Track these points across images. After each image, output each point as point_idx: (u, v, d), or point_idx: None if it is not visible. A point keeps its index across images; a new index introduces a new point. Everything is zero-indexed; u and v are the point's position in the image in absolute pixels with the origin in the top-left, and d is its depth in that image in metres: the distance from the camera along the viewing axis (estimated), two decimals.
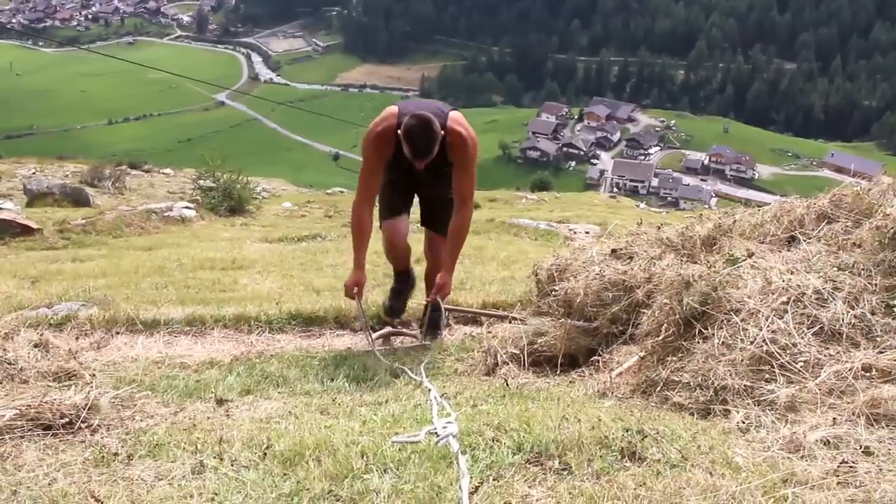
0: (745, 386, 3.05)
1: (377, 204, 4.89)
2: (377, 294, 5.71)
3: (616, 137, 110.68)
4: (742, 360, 3.14)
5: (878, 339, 3.12)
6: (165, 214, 13.69)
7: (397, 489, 2.41)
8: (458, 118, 4.54)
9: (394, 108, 4.58)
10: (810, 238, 3.89)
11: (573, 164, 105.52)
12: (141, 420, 3.22)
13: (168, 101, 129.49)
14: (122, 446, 2.82)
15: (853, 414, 2.73)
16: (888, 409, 2.73)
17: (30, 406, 2.97)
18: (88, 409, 3.03)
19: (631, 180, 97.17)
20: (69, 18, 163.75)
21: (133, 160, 33.02)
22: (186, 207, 14.64)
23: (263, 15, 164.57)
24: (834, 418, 2.72)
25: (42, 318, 4.92)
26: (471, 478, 2.43)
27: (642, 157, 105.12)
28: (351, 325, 5.27)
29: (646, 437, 2.66)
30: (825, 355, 3.07)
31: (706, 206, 60.11)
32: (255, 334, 5.10)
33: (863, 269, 3.46)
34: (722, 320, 3.35)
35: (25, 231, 10.90)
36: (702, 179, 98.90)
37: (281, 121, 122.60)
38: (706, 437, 2.72)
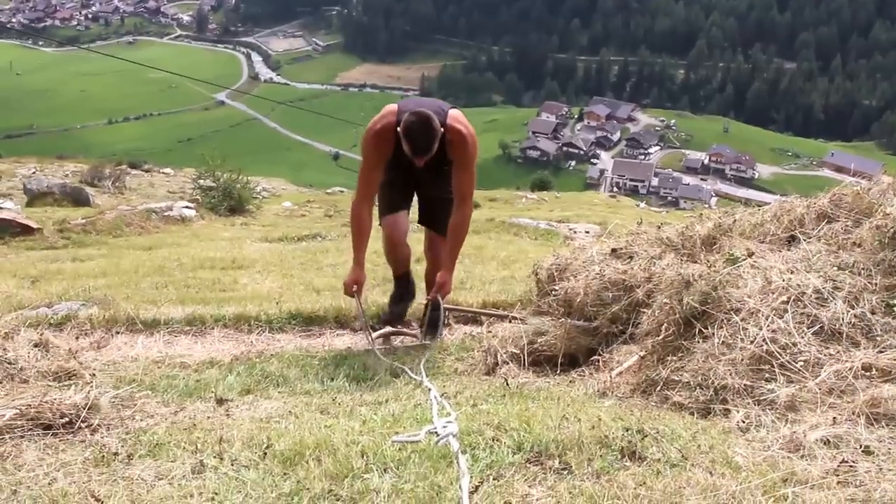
0: (745, 385, 3.05)
1: (377, 203, 4.89)
2: (377, 294, 5.71)
3: (616, 137, 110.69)
4: (742, 360, 3.14)
5: (879, 338, 3.12)
6: (165, 214, 13.69)
7: (397, 489, 2.41)
8: (457, 116, 4.54)
9: (393, 107, 4.58)
10: (810, 237, 3.89)
11: (573, 163, 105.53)
12: (141, 420, 3.22)
13: (168, 101, 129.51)
14: (123, 446, 2.82)
15: (853, 413, 2.73)
16: (888, 408, 2.73)
17: (30, 406, 2.97)
18: (88, 409, 3.03)
19: (631, 180, 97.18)
20: (69, 18, 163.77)
21: (133, 160, 33.02)
22: (186, 207, 14.64)
23: (263, 14, 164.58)
24: (834, 418, 2.72)
25: (42, 318, 4.92)
26: (471, 477, 2.43)
27: (642, 157, 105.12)
28: (351, 324, 5.27)
29: (646, 436, 2.66)
30: (825, 355, 3.07)
31: (706, 206, 60.14)
32: (255, 334, 5.10)
33: (863, 269, 3.46)
34: (722, 320, 3.35)
35: (25, 231, 10.90)
36: (702, 179, 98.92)
37: (281, 120, 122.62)
38: (706, 437, 2.72)
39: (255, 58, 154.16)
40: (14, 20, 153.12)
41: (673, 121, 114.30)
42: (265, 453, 2.68)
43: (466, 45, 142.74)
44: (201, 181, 17.51)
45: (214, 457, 2.68)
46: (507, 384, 3.76)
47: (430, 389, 3.55)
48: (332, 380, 4.09)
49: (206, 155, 18.40)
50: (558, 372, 4.14)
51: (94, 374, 3.68)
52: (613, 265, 4.47)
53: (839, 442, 2.57)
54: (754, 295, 3.38)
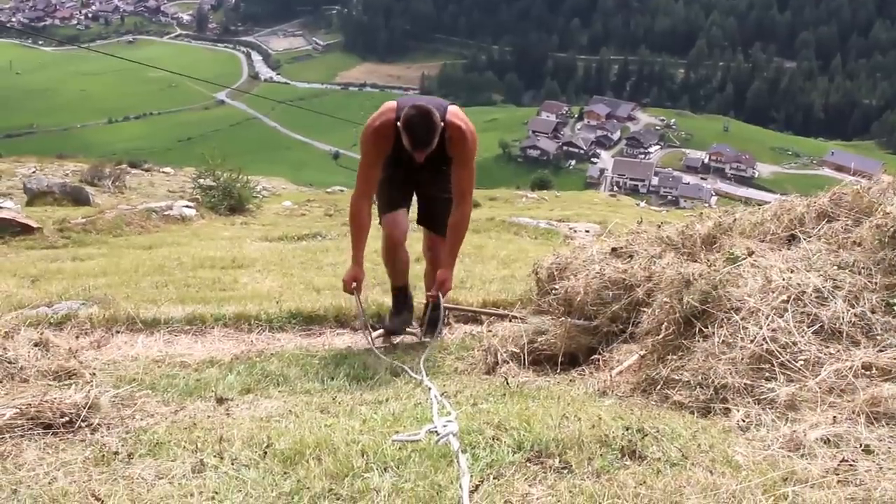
0: (745, 384, 3.06)
1: (376, 201, 4.87)
2: (377, 293, 5.71)
3: (616, 136, 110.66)
4: (742, 359, 3.14)
5: (879, 337, 3.12)
6: (165, 213, 13.68)
7: (397, 488, 2.41)
8: (457, 112, 4.53)
9: (392, 104, 4.57)
10: (810, 236, 3.89)
11: (573, 162, 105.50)
12: (141, 419, 3.22)
13: (168, 100, 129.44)
14: (123, 445, 2.83)
15: (853, 412, 2.73)
16: (888, 407, 2.73)
17: (30, 405, 2.97)
18: (89, 408, 3.03)
19: (631, 179, 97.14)
20: (69, 17, 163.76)
21: (133, 159, 33.01)
22: (186, 206, 14.63)
23: (263, 13, 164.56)
24: (834, 417, 2.72)
25: (42, 317, 4.93)
26: (471, 476, 2.43)
27: (642, 156, 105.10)
28: (351, 323, 5.27)
29: (646, 435, 2.66)
30: (825, 354, 3.07)
31: (706, 205, 60.08)
32: (256, 333, 5.10)
33: (863, 268, 3.46)
34: (722, 319, 3.35)
35: (25, 230, 10.90)
36: (702, 178, 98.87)
37: (281, 119, 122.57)
38: (706, 436, 2.72)
39: (255, 57, 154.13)
40: (14, 19, 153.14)
41: (673, 120, 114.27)
42: (265, 452, 2.68)
43: (466, 45, 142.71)
44: (201, 180, 17.49)
45: (215, 456, 2.68)
46: (508, 383, 3.77)
47: (430, 388, 3.56)
48: (333, 379, 4.09)
49: (206, 154, 18.39)
50: (558, 371, 4.14)
51: (94, 374, 3.69)
52: (613, 264, 4.47)
53: (839, 441, 2.57)
54: (754, 294, 3.38)
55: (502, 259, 8.45)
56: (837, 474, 2.35)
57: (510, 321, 4.76)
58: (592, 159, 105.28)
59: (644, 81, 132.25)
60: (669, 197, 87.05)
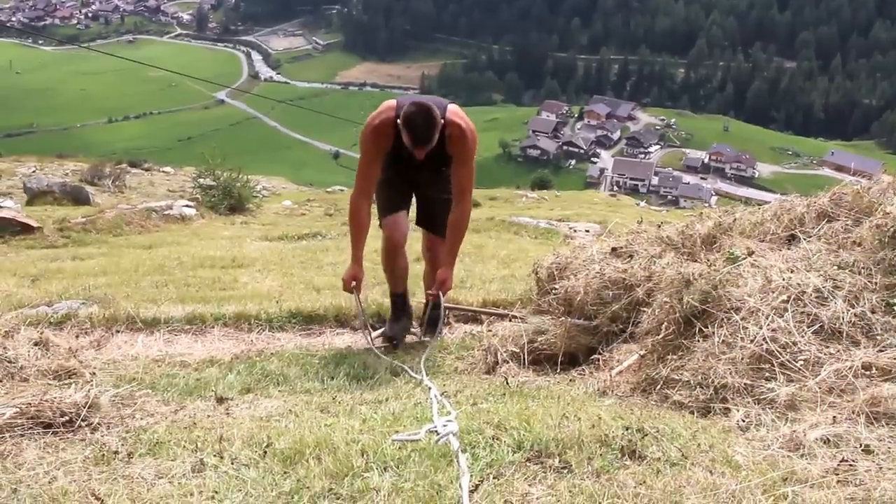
0: (745, 384, 3.06)
1: (375, 200, 4.86)
2: (377, 292, 5.71)
3: (616, 136, 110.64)
4: (742, 359, 3.14)
5: (879, 337, 3.12)
6: (165, 213, 13.68)
7: (397, 487, 2.41)
8: (456, 111, 4.53)
9: (392, 102, 4.57)
10: (810, 236, 3.89)
11: (573, 162, 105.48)
12: (141, 418, 3.22)
13: (168, 100, 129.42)
14: (123, 444, 2.83)
15: (853, 412, 2.73)
16: (888, 407, 2.73)
17: (30, 404, 2.98)
18: (88, 408, 3.04)
19: (631, 179, 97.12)
20: (69, 17, 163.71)
21: (133, 158, 33.02)
22: (186, 206, 14.63)
23: (263, 13, 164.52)
24: (834, 417, 2.72)
25: (42, 317, 4.93)
26: (471, 476, 2.43)
27: (642, 156, 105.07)
28: (351, 323, 5.27)
29: (646, 435, 2.66)
30: (825, 354, 3.07)
31: (706, 205, 60.04)
32: (256, 333, 5.10)
33: (863, 268, 3.46)
34: (722, 319, 3.35)
35: (25, 229, 10.89)
36: (702, 178, 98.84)
37: (281, 119, 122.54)
38: (706, 436, 2.72)
39: (255, 56, 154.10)
40: (14, 19, 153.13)
41: (673, 120, 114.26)
42: (265, 452, 2.68)
43: (467, 44, 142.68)
44: (201, 180, 17.49)
45: (214, 455, 2.68)
46: (507, 383, 3.77)
47: (430, 388, 3.56)
48: (333, 378, 4.09)
49: (206, 154, 18.38)
50: (558, 371, 4.14)
51: (94, 373, 3.69)
52: (613, 264, 4.47)
53: (839, 441, 2.57)
54: (754, 294, 3.38)
55: (502, 259, 8.45)
56: (837, 474, 2.35)
57: (510, 321, 4.76)
58: (592, 159, 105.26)
59: (644, 81, 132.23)
60: (669, 197, 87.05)
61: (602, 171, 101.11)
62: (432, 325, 4.90)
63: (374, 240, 5.14)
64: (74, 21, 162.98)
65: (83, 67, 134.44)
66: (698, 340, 3.38)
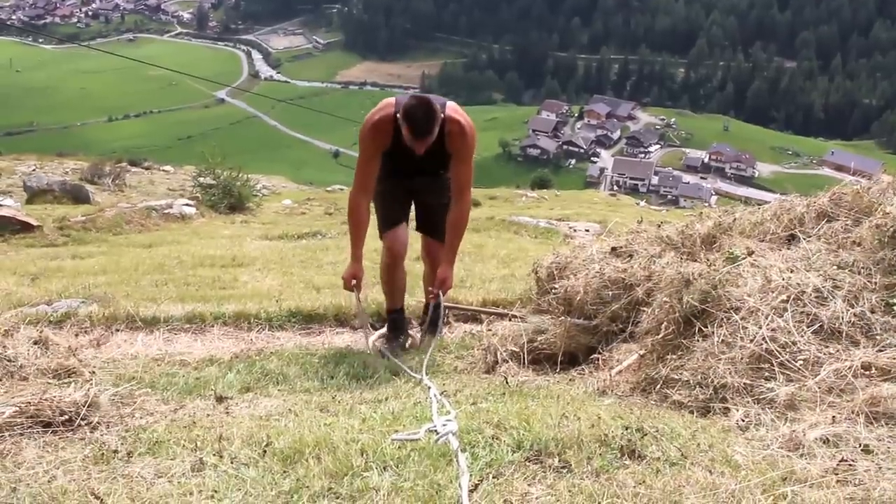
0: (744, 384, 3.06)
1: (374, 212, 4.83)
2: (377, 291, 5.70)
3: (616, 135, 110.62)
4: (742, 359, 3.14)
5: (878, 337, 3.12)
6: (165, 212, 13.69)
7: (397, 487, 2.41)
8: (455, 108, 4.53)
9: (391, 100, 4.56)
10: (810, 236, 3.89)
11: (573, 161, 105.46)
12: (140, 417, 3.22)
13: (168, 99, 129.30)
14: (122, 444, 2.82)
15: (852, 412, 2.73)
16: (887, 407, 2.73)
17: (29, 403, 2.97)
18: (88, 407, 3.04)
19: (631, 178, 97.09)
20: (69, 15, 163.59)
21: (133, 157, 33.01)
22: (186, 205, 14.64)
23: (264, 12, 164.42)
24: (833, 416, 2.72)
25: (42, 315, 4.93)
26: (470, 476, 2.43)
27: (642, 155, 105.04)
28: (351, 322, 5.27)
29: (645, 435, 2.66)
30: (825, 353, 3.07)
31: (706, 205, 59.98)
32: (255, 332, 5.10)
33: (862, 268, 3.46)
34: (722, 318, 3.36)
35: (25, 228, 10.90)
36: (702, 177, 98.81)
37: (281, 118, 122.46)
38: (706, 436, 2.72)
39: (256, 55, 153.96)
40: (14, 17, 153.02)
41: (673, 119, 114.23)
42: (265, 451, 2.68)
43: (467, 44, 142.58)
44: (201, 179, 17.49)
45: (214, 455, 2.68)
46: (507, 382, 3.77)
47: (429, 388, 3.55)
48: (332, 377, 4.09)
49: (206, 152, 18.38)
50: (558, 370, 4.14)
51: (93, 372, 3.69)
52: (613, 264, 4.47)
53: (838, 441, 2.57)
54: (754, 294, 3.38)
55: (502, 258, 8.45)
56: (836, 474, 2.35)
57: (510, 320, 4.77)
58: (592, 158, 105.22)
59: (644, 81, 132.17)
60: (669, 196, 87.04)
61: (602, 170, 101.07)
62: (433, 325, 4.89)
63: (374, 239, 5.13)
64: (75, 19, 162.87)
65: (83, 66, 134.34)
66: (698, 340, 3.38)
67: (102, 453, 2.72)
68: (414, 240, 5.25)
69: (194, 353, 4.63)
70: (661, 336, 3.58)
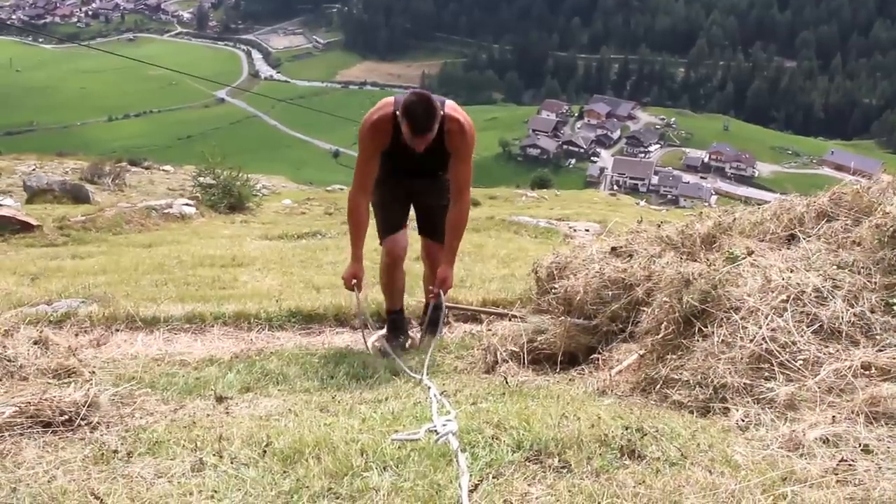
0: (744, 384, 3.06)
1: (374, 219, 4.82)
2: (376, 291, 5.70)
3: (616, 135, 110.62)
4: (742, 359, 3.14)
5: (878, 337, 3.12)
6: (165, 211, 13.69)
7: (397, 487, 2.41)
8: (455, 106, 4.52)
9: (390, 99, 4.56)
10: (810, 236, 3.89)
11: (573, 161, 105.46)
12: (140, 417, 3.22)
13: (168, 98, 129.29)
14: (122, 444, 2.82)
15: (852, 412, 2.73)
16: (887, 407, 2.73)
17: (29, 403, 2.97)
18: (88, 407, 3.03)
19: (631, 178, 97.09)
20: (69, 15, 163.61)
21: (133, 157, 32.99)
22: (186, 204, 14.64)
23: (264, 12, 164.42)
24: (833, 416, 2.72)
25: (42, 315, 4.93)
26: (470, 476, 2.43)
27: (642, 155, 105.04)
28: (351, 322, 5.27)
29: (645, 435, 2.66)
30: (825, 353, 3.07)
31: (706, 204, 59.97)
32: (255, 332, 5.10)
33: (862, 268, 3.46)
34: (722, 318, 3.36)
35: (25, 228, 10.90)
36: (702, 177, 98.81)
37: (281, 118, 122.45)
38: (706, 436, 2.72)
39: (256, 55, 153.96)
40: (14, 17, 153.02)
41: (673, 119, 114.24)
42: (265, 451, 2.68)
43: (467, 43, 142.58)
44: (201, 178, 17.49)
45: (214, 455, 2.68)
46: (507, 382, 3.77)
47: (429, 388, 3.55)
48: (332, 377, 4.09)
49: (206, 152, 18.38)
50: (558, 370, 4.14)
51: (93, 372, 3.69)
52: (613, 263, 4.47)
53: (838, 441, 2.57)
54: (754, 293, 3.38)
55: (502, 258, 8.45)
56: (836, 474, 2.35)
57: (510, 320, 4.77)
58: (592, 158, 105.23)
59: (644, 80, 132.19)
60: (669, 196, 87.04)
61: (602, 170, 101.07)
62: (433, 325, 4.89)
63: (374, 239, 5.13)
64: (75, 19, 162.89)
65: (83, 65, 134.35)
66: (698, 340, 3.38)
67: (102, 453, 2.72)
68: (414, 240, 5.25)
69: (194, 353, 4.62)
70: (660, 336, 3.58)
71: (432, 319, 4.88)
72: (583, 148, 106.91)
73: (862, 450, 2.51)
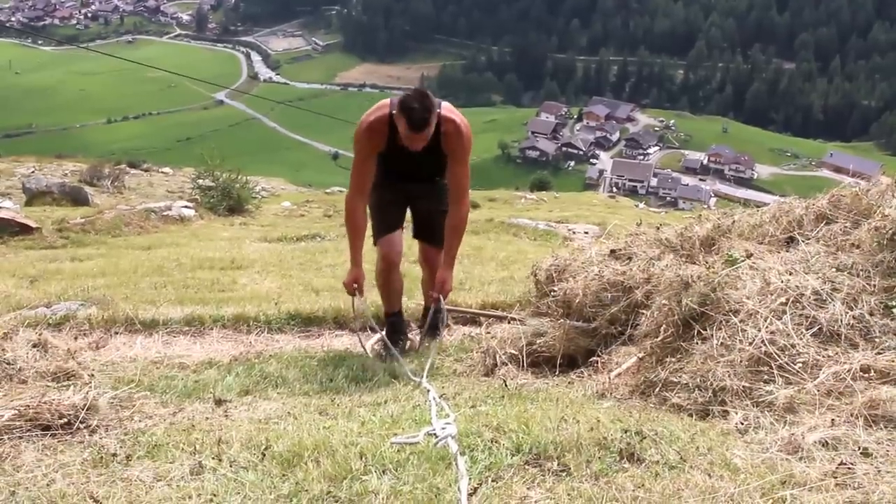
0: (743, 387, 3.06)
1: (370, 221, 4.81)
2: (375, 295, 5.70)
3: (615, 137, 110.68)
4: (741, 361, 3.14)
5: (877, 340, 3.12)
6: (164, 214, 13.69)
7: (396, 490, 2.41)
8: (451, 108, 4.51)
9: (386, 101, 4.55)
10: (809, 239, 3.89)
11: (572, 163, 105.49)
12: (139, 420, 3.22)
13: (167, 100, 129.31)
14: (121, 447, 2.82)
15: (851, 415, 2.73)
16: (886, 410, 2.73)
17: (28, 406, 2.97)
18: (87, 410, 3.03)
19: (630, 180, 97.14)
20: (68, 17, 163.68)
21: (132, 159, 32.99)
22: (185, 207, 14.63)
23: (263, 14, 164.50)
24: (832, 419, 2.72)
25: (41, 318, 4.92)
26: (469, 479, 2.43)
27: (641, 157, 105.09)
28: (350, 325, 5.26)
29: (644, 438, 2.66)
30: (824, 356, 3.07)
31: (705, 206, 60.11)
32: (254, 334, 5.10)
33: (861, 270, 3.46)
34: (721, 321, 3.35)
35: (24, 230, 10.90)
36: (701, 179, 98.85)
37: (280, 120, 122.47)
38: (705, 439, 2.72)
39: (255, 57, 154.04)
40: (13, 19, 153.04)
41: (672, 121, 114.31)
42: (264, 454, 2.68)
43: (466, 45, 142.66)
44: (200, 181, 17.49)
45: (213, 458, 2.67)
46: (506, 385, 3.77)
47: (428, 391, 3.55)
48: (331, 381, 4.08)
49: (205, 154, 18.38)
50: (557, 373, 4.14)
51: (92, 375, 3.69)
52: (612, 266, 4.48)
53: (837, 444, 2.57)
54: (753, 296, 3.38)
55: (501, 260, 8.45)
56: (835, 477, 2.35)
57: (509, 323, 4.76)
58: (591, 160, 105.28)
59: (643, 82, 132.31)
60: (668, 198, 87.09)
61: (601, 172, 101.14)
62: (433, 329, 4.87)
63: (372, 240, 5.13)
64: (74, 21, 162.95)
65: (82, 68, 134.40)
66: (697, 343, 3.38)
67: (101, 456, 2.72)
68: (412, 243, 5.25)
69: (193, 355, 4.62)
70: (660, 339, 3.58)
71: (432, 323, 4.87)
72: (582, 150, 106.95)
73: (861, 453, 2.51)
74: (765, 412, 2.90)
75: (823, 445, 2.57)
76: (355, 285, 4.63)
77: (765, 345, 3.14)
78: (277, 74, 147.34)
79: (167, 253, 9.24)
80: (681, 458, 2.55)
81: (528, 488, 2.40)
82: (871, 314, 3.23)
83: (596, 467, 2.50)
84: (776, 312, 3.27)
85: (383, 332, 4.92)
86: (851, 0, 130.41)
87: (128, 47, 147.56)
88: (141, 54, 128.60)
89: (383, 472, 2.54)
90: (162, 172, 29.20)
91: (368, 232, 4.75)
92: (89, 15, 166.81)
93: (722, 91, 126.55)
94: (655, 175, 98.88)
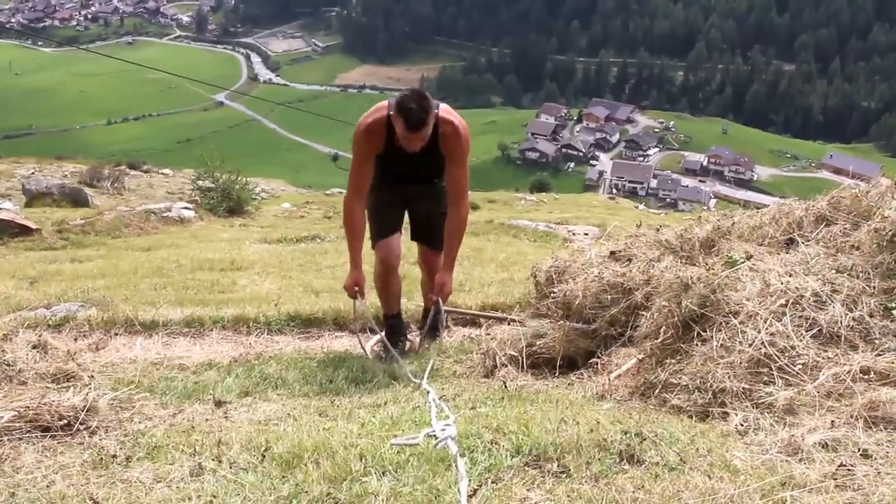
0: (743, 388, 3.06)
1: (367, 223, 4.80)
2: (376, 296, 5.70)
3: (615, 138, 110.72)
4: (740, 363, 3.14)
5: (877, 341, 3.13)
6: (164, 215, 13.69)
7: (396, 492, 2.41)
8: (449, 109, 4.51)
9: (384, 103, 4.54)
10: (809, 240, 3.90)
11: (572, 165, 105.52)
12: (139, 422, 3.22)
13: (167, 102, 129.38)
14: (121, 448, 2.82)
15: (851, 417, 2.73)
16: (886, 411, 2.73)
17: (28, 408, 2.97)
18: (87, 411, 3.03)
19: (630, 181, 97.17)
20: (68, 18, 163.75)
21: (132, 160, 32.99)
22: (185, 208, 14.63)
23: (263, 15, 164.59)
24: (832, 421, 2.72)
25: (40, 319, 4.92)
26: (469, 480, 2.43)
27: (641, 159, 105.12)
28: (350, 326, 5.26)
29: (644, 439, 2.66)
30: (823, 358, 3.07)
31: (705, 208, 60.11)
32: (254, 336, 5.09)
33: (861, 272, 3.46)
34: (720, 323, 3.35)
35: (24, 231, 10.89)
36: (700, 181, 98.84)
37: (280, 121, 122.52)
38: (704, 440, 2.72)
39: (255, 59, 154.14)
40: (13, 20, 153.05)
41: (672, 122, 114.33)
42: (263, 456, 2.68)
43: (466, 47, 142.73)
44: (200, 182, 17.50)
45: (213, 459, 2.67)
46: (506, 387, 3.77)
47: (428, 392, 3.55)
48: (331, 382, 4.08)
49: (204, 156, 18.39)
50: (557, 374, 4.14)
51: (92, 376, 3.68)
52: (612, 268, 4.47)
53: (837, 445, 2.57)
54: (753, 298, 3.38)
55: (501, 262, 8.45)
56: (835, 479, 2.35)
57: (509, 324, 4.76)
58: (591, 162, 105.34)
59: (643, 84, 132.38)
60: (668, 199, 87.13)
61: (601, 173, 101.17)
62: (433, 331, 4.87)
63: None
64: (74, 22, 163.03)
65: (82, 69, 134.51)
66: (697, 344, 3.38)
67: (101, 458, 2.72)
68: (412, 245, 5.24)
69: (193, 357, 4.62)
70: (659, 340, 3.58)
71: (432, 325, 4.86)
72: (581, 151, 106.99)
73: (861, 454, 2.52)
74: (765, 414, 2.90)
75: (823, 447, 2.58)
76: (356, 288, 4.63)
77: (765, 346, 3.14)
78: (277, 76, 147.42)
79: (167, 254, 9.24)
80: (681, 459, 2.55)
81: (527, 490, 2.41)
82: (871, 316, 3.23)
83: (596, 469, 2.50)
84: (776, 314, 3.27)
85: (383, 334, 4.92)
86: (851, 1, 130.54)
87: (128, 49, 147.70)
88: (141, 56, 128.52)
89: (383, 473, 2.54)
90: (162, 174, 29.21)
91: (368, 233, 4.75)
92: (89, 16, 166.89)
93: (722, 92, 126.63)
94: (655, 176, 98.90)
